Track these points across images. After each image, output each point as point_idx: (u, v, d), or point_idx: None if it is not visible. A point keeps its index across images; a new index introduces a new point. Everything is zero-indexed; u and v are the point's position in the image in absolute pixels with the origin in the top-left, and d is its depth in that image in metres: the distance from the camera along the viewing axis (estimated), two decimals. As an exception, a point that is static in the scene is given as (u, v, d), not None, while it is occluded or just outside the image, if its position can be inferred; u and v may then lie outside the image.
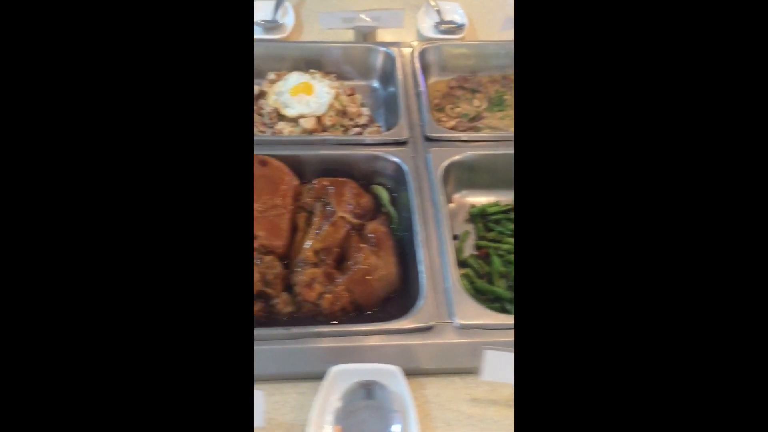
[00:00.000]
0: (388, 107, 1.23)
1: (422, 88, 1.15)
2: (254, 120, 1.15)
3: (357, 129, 1.14)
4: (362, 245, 0.86)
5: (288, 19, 1.42)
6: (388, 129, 1.15)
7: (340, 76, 1.30)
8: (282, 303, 0.81)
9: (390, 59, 1.26)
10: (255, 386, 0.64)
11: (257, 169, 0.94)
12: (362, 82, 1.30)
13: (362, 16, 1.31)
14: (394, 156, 1.00)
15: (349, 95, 1.22)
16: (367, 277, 0.82)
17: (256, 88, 1.24)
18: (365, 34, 1.34)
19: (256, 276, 0.80)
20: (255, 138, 1.07)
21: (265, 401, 0.63)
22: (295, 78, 1.22)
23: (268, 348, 0.73)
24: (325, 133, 1.12)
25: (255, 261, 0.82)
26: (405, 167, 0.97)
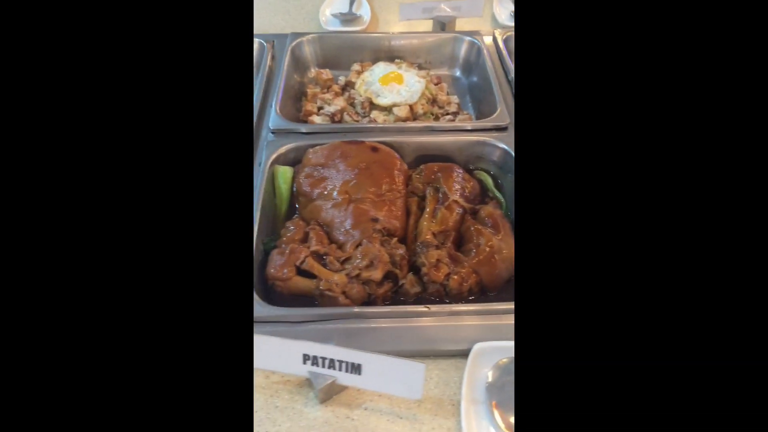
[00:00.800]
0: (473, 95, 1.24)
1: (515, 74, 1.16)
2: (346, 109, 1.16)
3: (448, 117, 1.16)
4: (482, 228, 0.87)
5: (364, 10, 1.44)
6: (478, 117, 1.17)
7: (422, 66, 1.31)
8: (409, 284, 0.82)
9: (474, 48, 1.27)
10: (412, 360, 0.65)
11: (369, 155, 0.95)
12: (444, 72, 1.31)
13: (442, 5, 1.33)
14: (499, 141, 1.01)
15: (436, 84, 1.23)
16: (493, 259, 0.83)
17: (342, 79, 1.26)
18: (444, 24, 1.35)
19: (384, 257, 0.82)
20: (358, 126, 1.09)
21: (424, 375, 0.65)
22: (381, 68, 1.24)
23: (409, 326, 0.75)
24: (418, 121, 1.13)
25: (381, 243, 0.84)
26: (512, 152, 0.98)
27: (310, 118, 1.14)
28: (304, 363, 0.68)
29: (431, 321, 0.76)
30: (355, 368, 0.67)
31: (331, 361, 0.67)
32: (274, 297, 0.81)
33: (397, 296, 0.83)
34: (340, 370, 0.67)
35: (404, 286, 0.82)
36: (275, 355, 0.68)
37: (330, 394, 0.70)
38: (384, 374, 0.66)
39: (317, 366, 0.68)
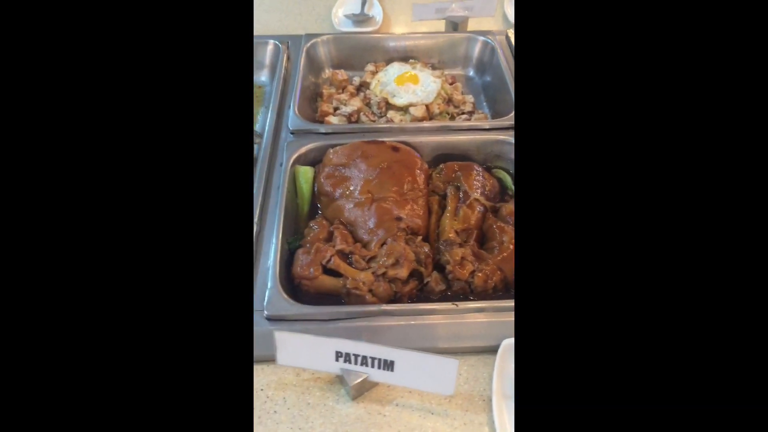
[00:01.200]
0: (487, 95, 1.25)
1: (529, 74, 1.16)
2: (363, 110, 1.17)
3: (464, 116, 1.16)
4: (504, 225, 0.88)
5: (375, 11, 1.45)
6: (494, 116, 1.18)
7: (435, 66, 1.32)
8: (434, 282, 0.83)
9: (488, 48, 1.28)
10: (446, 357, 0.66)
11: (390, 155, 0.96)
12: (458, 71, 1.32)
13: (455, 6, 1.34)
14: (518, 139, 1.01)
15: (451, 84, 1.24)
16: (517, 256, 0.84)
17: (356, 79, 1.27)
18: (457, 24, 1.36)
19: (410, 256, 0.82)
20: (376, 126, 1.10)
21: (457, 371, 0.66)
22: (396, 68, 1.25)
23: (437, 323, 0.76)
24: (435, 121, 1.14)
25: (406, 241, 0.85)
26: (531, 150, 0.99)
27: (327, 118, 1.15)
28: (337, 360, 0.69)
29: (458, 318, 0.76)
30: (388, 365, 0.67)
31: (364, 358, 0.68)
32: (301, 295, 0.82)
33: (422, 294, 0.84)
34: (372, 366, 0.68)
35: (429, 284, 0.83)
36: (307, 352, 0.69)
37: (361, 390, 0.71)
38: (417, 370, 0.67)
39: (350, 363, 0.68)
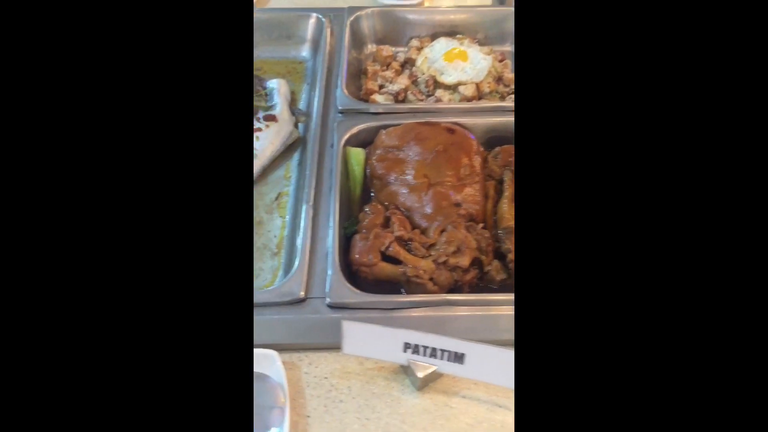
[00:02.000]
0: (537, 73, 1.21)
1: (584, 52, 1.12)
2: (410, 88, 1.14)
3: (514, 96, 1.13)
4: (565, 213, 0.85)
5: (418, -17, 1.40)
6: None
7: (481, 42, 1.27)
8: (495, 270, 0.81)
9: (538, 23, 1.23)
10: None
11: (446, 137, 0.93)
12: (506, 48, 1.27)
13: (503, -22, 1.28)
14: (577, 123, 0.98)
15: (501, 61, 1.20)
16: (581, 245, 0.82)
17: (400, 56, 1.23)
18: (504, -2, 1.31)
19: (471, 243, 0.81)
20: (428, 107, 1.06)
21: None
22: (443, 44, 1.20)
23: (502, 314, 0.74)
24: (485, 101, 1.10)
25: (467, 228, 0.83)
26: (591, 134, 0.96)
27: (372, 96, 1.12)
28: (405, 351, 0.68)
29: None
30: (458, 357, 0.66)
31: (433, 349, 0.67)
32: (359, 282, 0.81)
33: (481, 283, 0.82)
34: (441, 358, 0.67)
35: (490, 272, 0.81)
36: (375, 342, 0.68)
37: (427, 381, 0.70)
38: (487, 364, 0.66)
39: (418, 354, 0.67)
